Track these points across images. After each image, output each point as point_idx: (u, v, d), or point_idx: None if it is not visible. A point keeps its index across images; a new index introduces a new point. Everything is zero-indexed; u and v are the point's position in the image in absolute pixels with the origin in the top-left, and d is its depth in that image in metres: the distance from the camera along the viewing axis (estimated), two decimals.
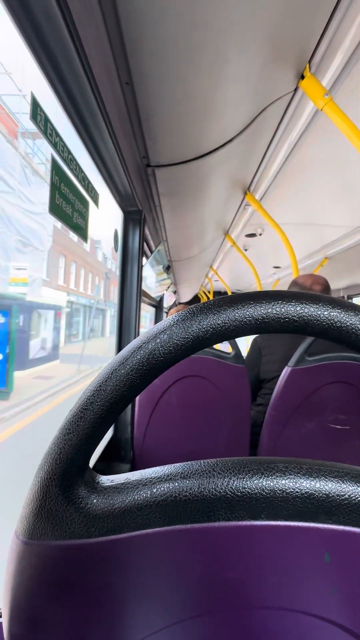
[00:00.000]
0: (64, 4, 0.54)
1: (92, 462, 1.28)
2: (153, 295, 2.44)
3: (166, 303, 3.61)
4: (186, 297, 7.61)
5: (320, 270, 3.23)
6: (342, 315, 0.23)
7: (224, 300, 0.24)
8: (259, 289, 2.98)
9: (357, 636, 0.26)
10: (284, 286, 4.48)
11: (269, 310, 0.24)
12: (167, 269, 2.58)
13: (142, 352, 0.24)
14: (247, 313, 0.24)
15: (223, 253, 3.55)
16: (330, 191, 1.98)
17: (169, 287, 3.50)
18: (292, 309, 0.23)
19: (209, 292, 6.47)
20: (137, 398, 1.30)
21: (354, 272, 3.36)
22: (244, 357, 1.38)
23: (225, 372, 1.27)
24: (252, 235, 2.85)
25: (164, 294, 3.13)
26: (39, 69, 0.61)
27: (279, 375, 1.27)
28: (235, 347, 1.31)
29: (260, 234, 2.81)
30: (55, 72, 0.64)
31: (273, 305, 0.24)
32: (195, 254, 3.30)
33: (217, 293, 6.48)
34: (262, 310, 0.24)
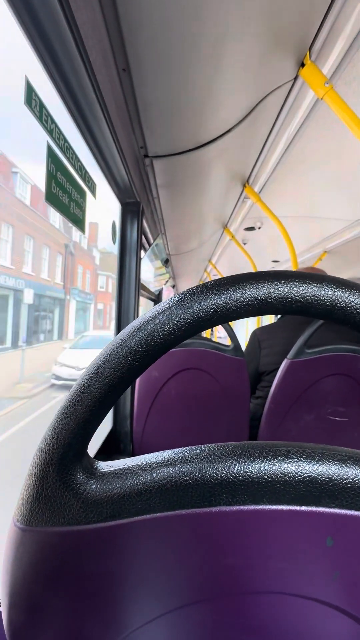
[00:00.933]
0: None
1: (91, 454, 1.28)
2: (152, 289, 2.43)
3: (165, 297, 3.60)
4: None
5: (319, 263, 3.22)
6: (347, 295, 0.23)
7: (225, 280, 0.24)
8: None
9: (357, 619, 0.25)
10: None
11: (272, 290, 0.23)
12: (166, 262, 2.57)
13: (140, 333, 0.23)
14: (249, 293, 0.23)
15: (222, 247, 3.53)
16: (330, 184, 1.96)
17: (167, 281, 3.49)
18: (295, 289, 0.23)
19: None
20: (137, 390, 1.29)
21: (353, 265, 3.35)
22: (243, 350, 1.38)
23: (224, 364, 1.27)
24: (251, 228, 2.84)
25: (162, 288, 3.12)
26: (33, 52, 0.59)
27: (278, 368, 1.27)
28: (234, 339, 1.31)
29: (259, 228, 2.80)
30: (50, 56, 0.62)
31: (276, 285, 0.23)
32: (193, 248, 3.28)
33: None
34: (265, 290, 0.23)
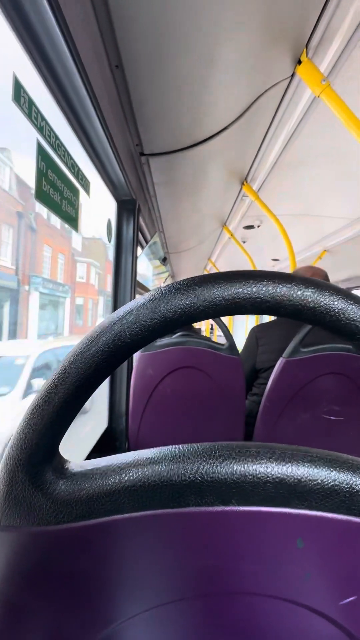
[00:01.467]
0: None
1: (85, 453, 1.28)
2: (151, 287, 2.42)
3: None
4: None
5: (319, 262, 3.21)
6: (315, 295, 0.22)
7: (194, 280, 0.23)
8: None
9: (330, 619, 0.25)
10: None
11: (240, 290, 0.23)
12: (164, 260, 2.57)
13: (107, 334, 0.23)
14: (217, 293, 0.23)
15: (221, 245, 3.52)
16: (329, 182, 1.95)
17: (166, 280, 3.48)
18: (264, 289, 0.23)
19: None
20: (132, 389, 1.29)
21: (353, 264, 3.34)
22: (240, 348, 1.38)
23: (219, 363, 1.27)
24: (250, 227, 2.83)
25: (161, 286, 3.11)
26: (21, 48, 0.59)
27: (274, 365, 1.27)
28: (229, 338, 1.31)
29: (258, 226, 2.79)
30: (39, 53, 0.62)
31: (244, 285, 0.23)
32: (192, 246, 3.27)
33: None
34: (233, 290, 0.23)
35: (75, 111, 0.79)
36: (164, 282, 3.11)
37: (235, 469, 0.24)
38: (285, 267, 4.08)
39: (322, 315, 0.22)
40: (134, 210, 1.37)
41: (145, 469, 0.24)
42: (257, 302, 0.23)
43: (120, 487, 0.24)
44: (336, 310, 0.22)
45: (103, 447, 1.39)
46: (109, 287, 1.40)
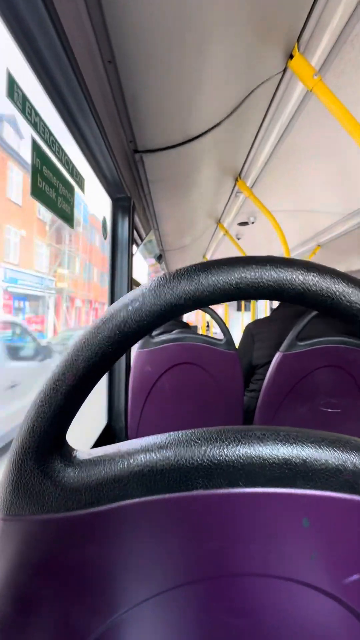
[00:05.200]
0: None
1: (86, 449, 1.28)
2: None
3: None
4: None
5: (313, 258, 3.23)
6: (317, 278, 0.23)
7: (197, 266, 0.24)
8: None
9: (336, 599, 0.26)
10: None
11: (243, 275, 0.23)
12: (159, 258, 2.57)
13: (114, 321, 0.23)
14: (221, 278, 0.23)
15: (216, 242, 3.53)
16: (323, 177, 1.96)
17: None
18: (267, 274, 0.23)
19: None
20: (130, 386, 1.30)
21: (347, 259, 3.36)
22: (236, 344, 1.39)
23: (217, 358, 1.28)
24: (245, 223, 2.83)
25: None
26: (14, 44, 0.58)
27: (271, 361, 1.28)
28: (227, 333, 1.32)
29: (253, 222, 2.80)
30: (32, 48, 0.61)
31: (247, 270, 0.23)
32: (187, 243, 3.27)
33: None
34: (236, 275, 0.23)
35: (68, 107, 0.78)
36: None
37: (242, 451, 0.24)
38: None
39: (323, 299, 0.23)
40: (129, 207, 1.37)
41: (153, 454, 0.25)
42: (260, 286, 0.23)
43: (128, 473, 0.25)
44: (337, 293, 0.23)
45: (103, 444, 1.39)
46: None
